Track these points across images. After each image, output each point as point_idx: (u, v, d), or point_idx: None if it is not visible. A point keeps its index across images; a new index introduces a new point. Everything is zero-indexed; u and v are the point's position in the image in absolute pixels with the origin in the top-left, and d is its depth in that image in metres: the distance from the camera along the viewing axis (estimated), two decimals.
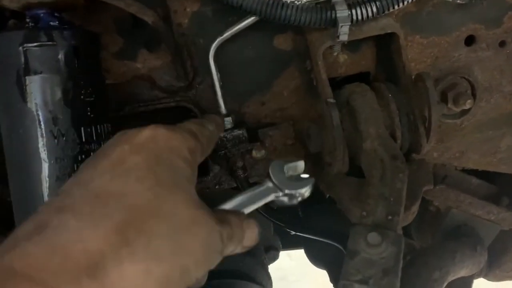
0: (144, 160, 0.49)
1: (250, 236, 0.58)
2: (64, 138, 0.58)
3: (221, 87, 0.77)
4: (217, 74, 0.75)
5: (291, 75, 0.81)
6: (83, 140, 0.59)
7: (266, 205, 0.84)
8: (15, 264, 0.40)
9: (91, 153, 0.60)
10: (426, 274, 0.79)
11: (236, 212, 0.59)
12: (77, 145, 0.59)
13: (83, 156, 0.59)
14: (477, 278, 1.19)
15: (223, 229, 0.52)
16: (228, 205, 0.58)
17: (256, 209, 0.87)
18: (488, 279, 1.23)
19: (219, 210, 0.58)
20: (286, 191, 0.60)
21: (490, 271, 1.18)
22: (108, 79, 0.76)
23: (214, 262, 0.52)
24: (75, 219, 0.44)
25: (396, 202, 0.62)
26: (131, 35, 0.75)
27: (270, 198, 0.60)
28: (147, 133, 0.52)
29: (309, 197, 0.80)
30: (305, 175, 0.64)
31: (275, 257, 1.16)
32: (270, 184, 0.60)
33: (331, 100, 0.70)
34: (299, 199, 0.61)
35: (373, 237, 0.56)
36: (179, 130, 0.55)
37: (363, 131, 0.71)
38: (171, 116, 0.86)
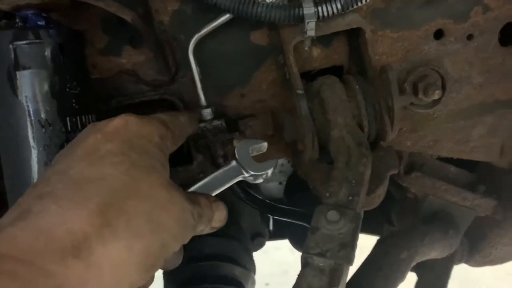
0: (117, 146, 0.53)
1: (219, 217, 0.63)
2: (51, 127, 0.63)
3: (201, 81, 0.82)
4: (197, 68, 0.81)
5: (268, 69, 0.86)
6: (69, 129, 0.65)
7: (248, 191, 0.89)
8: (1, 248, 0.42)
9: None
10: (394, 253, 0.84)
11: (205, 194, 0.64)
12: (63, 134, 0.64)
13: None
14: (458, 263, 1.24)
15: (194, 208, 0.57)
16: (197, 186, 0.64)
17: (242, 198, 0.93)
18: (470, 265, 1.28)
19: (190, 192, 0.64)
20: (251, 172, 0.65)
21: (471, 257, 1.23)
22: (95, 74, 0.82)
23: (187, 237, 0.57)
24: (56, 204, 0.46)
25: (358, 184, 0.67)
26: (116, 33, 0.80)
27: (237, 179, 0.66)
28: (118, 122, 0.56)
29: (292, 185, 0.85)
30: None
31: (261, 244, 1.21)
32: (236, 165, 0.65)
33: (300, 92, 0.75)
34: (263, 178, 0.67)
35: (333, 214, 0.62)
36: (149, 119, 0.60)
37: (332, 120, 0.76)
38: (156, 109, 0.92)
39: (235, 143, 0.89)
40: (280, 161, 1.84)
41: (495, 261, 1.24)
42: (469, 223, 1.10)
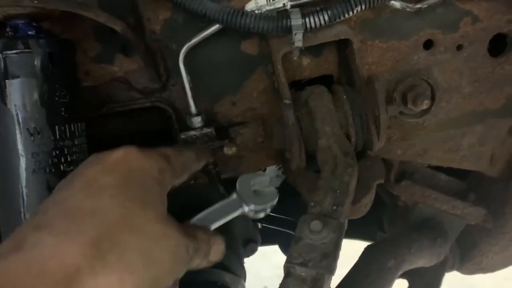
0: (116, 179, 0.54)
1: (216, 251, 0.63)
2: (39, 136, 0.64)
3: (192, 88, 0.83)
4: (187, 77, 0.82)
5: (259, 77, 0.87)
6: (57, 137, 0.66)
7: None
8: None
9: (64, 149, 0.66)
10: (381, 261, 0.85)
11: (203, 227, 0.64)
12: (51, 142, 0.65)
13: (57, 152, 0.66)
14: (449, 271, 1.24)
15: (190, 243, 0.57)
16: (197, 219, 0.64)
17: None
18: (462, 273, 1.28)
19: (188, 225, 0.64)
20: (252, 207, 0.66)
21: (462, 265, 1.24)
22: (87, 81, 0.83)
23: (181, 272, 0.57)
24: (51, 236, 0.47)
25: (342, 194, 0.68)
26: (108, 41, 0.82)
27: (237, 212, 0.66)
28: (118, 154, 0.57)
29: (284, 191, 0.86)
30: (271, 188, 0.70)
31: (253, 250, 1.22)
32: (236, 198, 0.66)
33: (287, 102, 0.76)
34: (263, 213, 0.67)
35: (316, 224, 0.62)
36: (150, 152, 0.60)
37: (319, 129, 0.77)
38: (147, 116, 0.93)
39: (225, 150, 0.90)
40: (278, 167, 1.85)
41: (486, 269, 1.24)
42: (459, 231, 1.11)
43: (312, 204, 0.67)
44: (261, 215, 0.69)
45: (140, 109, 0.87)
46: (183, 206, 1.12)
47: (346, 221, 0.68)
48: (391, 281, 0.84)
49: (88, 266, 0.45)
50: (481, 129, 0.98)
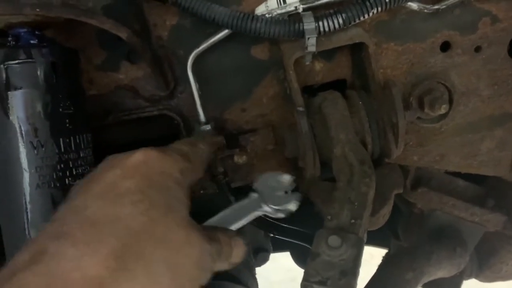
0: (136, 184, 0.51)
1: (237, 253, 0.60)
2: (43, 149, 0.62)
3: (200, 96, 0.80)
4: (195, 84, 0.79)
5: (269, 83, 0.84)
6: (62, 150, 0.63)
7: None
8: None
9: (69, 162, 0.64)
10: (399, 274, 0.81)
11: (225, 229, 0.61)
12: (56, 155, 0.62)
13: (62, 166, 0.63)
14: (467, 279, 1.20)
15: (213, 247, 0.54)
16: (215, 220, 0.61)
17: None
18: (480, 280, 1.24)
19: (209, 227, 0.61)
20: (272, 206, 0.62)
21: (481, 272, 1.20)
22: (92, 90, 0.81)
23: (206, 278, 0.55)
24: (72, 247, 0.44)
25: (360, 206, 0.64)
26: (113, 48, 0.79)
27: (258, 212, 0.63)
28: (138, 157, 0.54)
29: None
30: (292, 189, 0.67)
31: (265, 259, 1.19)
32: (256, 197, 0.63)
33: (301, 109, 0.73)
34: (285, 213, 0.64)
35: (334, 240, 0.59)
36: (169, 152, 0.57)
37: (334, 137, 0.73)
38: (154, 125, 0.90)
39: (236, 158, 0.87)
40: None
41: (506, 277, 1.21)
42: (478, 239, 1.07)
43: (328, 217, 0.64)
44: (282, 215, 0.66)
45: (147, 117, 0.84)
46: (193, 217, 1.10)
47: (365, 234, 0.65)
48: None
49: (111, 278, 0.43)
50: (501, 133, 0.94)
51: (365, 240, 0.62)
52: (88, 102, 0.80)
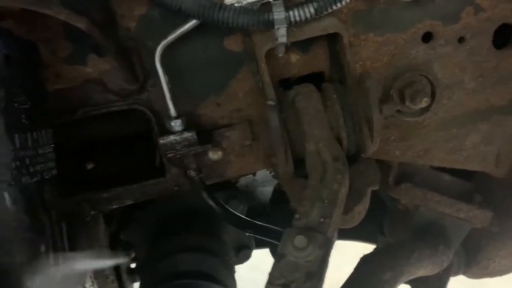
0: None
1: None
2: None
3: (172, 90, 0.77)
4: (164, 77, 0.76)
5: (244, 77, 0.81)
6: (17, 146, 0.60)
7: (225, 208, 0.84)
8: None
9: (26, 160, 0.61)
10: (378, 273, 0.78)
11: None
12: (11, 152, 0.60)
13: (18, 163, 0.60)
14: (454, 275, 1.18)
15: None
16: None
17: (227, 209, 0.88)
18: (468, 277, 1.22)
19: None
20: None
21: (469, 269, 1.17)
22: (59, 84, 0.78)
23: None
24: None
25: (330, 204, 0.62)
26: (80, 40, 0.76)
27: None
28: None
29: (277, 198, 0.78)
30: None
31: (247, 256, 1.16)
32: None
33: (271, 103, 0.70)
34: None
35: (300, 240, 0.56)
36: None
37: (307, 132, 0.71)
38: (127, 121, 0.88)
39: (210, 154, 0.85)
40: None
41: (494, 273, 1.18)
42: (464, 235, 1.04)
43: (297, 216, 0.61)
44: None
45: (119, 113, 0.81)
46: (167, 216, 1.07)
47: (336, 233, 0.62)
48: None
49: None
50: (486, 127, 0.91)
51: (335, 239, 0.60)
52: (55, 96, 0.77)
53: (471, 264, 1.15)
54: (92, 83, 0.79)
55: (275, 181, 1.81)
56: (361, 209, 0.71)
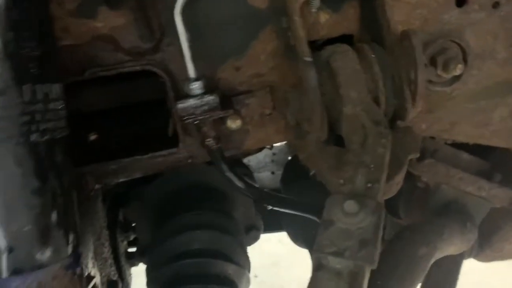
0: None
1: None
2: (3, 96, 0.51)
3: (190, 48, 0.70)
4: (185, 33, 0.69)
5: (268, 37, 0.75)
6: (26, 99, 0.52)
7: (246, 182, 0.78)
8: None
9: (35, 115, 0.53)
10: (412, 249, 0.74)
11: None
12: (19, 105, 0.52)
13: (27, 118, 0.52)
14: (467, 258, 1.14)
15: None
16: None
17: (238, 187, 0.82)
18: (479, 260, 1.18)
19: None
20: None
21: (481, 252, 1.14)
22: (66, 40, 0.70)
23: None
24: None
25: (377, 169, 0.56)
26: None
27: None
28: None
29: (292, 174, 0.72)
30: None
31: (256, 237, 1.11)
32: None
33: (308, 59, 0.64)
34: None
35: (350, 205, 0.51)
36: None
37: (344, 95, 0.65)
38: (138, 87, 0.80)
39: (229, 123, 0.78)
40: (273, 150, 1.73)
41: (506, 256, 1.15)
42: (484, 215, 1.01)
43: (341, 181, 0.55)
44: None
45: (130, 78, 0.74)
46: (173, 194, 1.01)
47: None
48: (423, 271, 0.73)
49: None
50: None
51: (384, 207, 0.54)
52: (61, 54, 0.69)
53: (485, 247, 1.12)
54: (102, 40, 0.71)
55: (270, 167, 1.76)
56: (400, 178, 0.66)
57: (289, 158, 1.37)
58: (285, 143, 1.66)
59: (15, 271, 0.52)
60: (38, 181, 0.54)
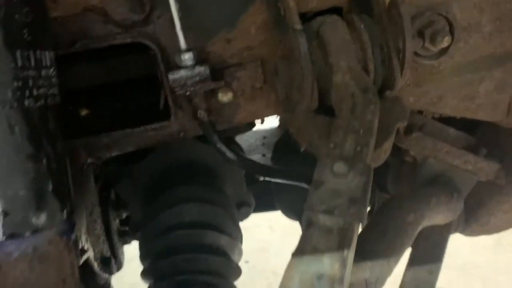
0: None
1: None
2: None
3: (181, 19, 0.71)
4: (175, 4, 0.69)
5: (258, 9, 0.76)
6: (19, 64, 0.53)
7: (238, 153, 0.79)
8: None
9: (29, 81, 0.53)
10: (400, 216, 0.76)
11: None
12: (12, 70, 0.52)
13: (20, 83, 0.53)
14: (453, 232, 1.17)
15: None
16: None
17: (231, 159, 0.83)
18: (466, 234, 1.21)
19: None
20: None
21: (467, 226, 1.16)
22: (56, 11, 0.70)
23: None
24: None
25: (366, 134, 0.58)
26: None
27: None
28: None
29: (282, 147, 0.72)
30: None
31: (248, 213, 1.12)
32: None
33: (298, 27, 0.65)
34: None
35: (340, 167, 0.52)
36: None
37: (334, 64, 0.66)
38: (128, 61, 0.81)
39: (220, 96, 0.79)
40: (263, 133, 1.74)
41: (492, 230, 1.18)
42: (470, 188, 1.03)
43: (331, 145, 0.57)
44: None
45: (119, 46, 0.74)
46: (164, 170, 1.01)
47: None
48: (411, 238, 0.75)
49: None
50: (500, 74, 0.89)
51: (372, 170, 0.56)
52: (52, 25, 0.69)
53: (471, 221, 1.15)
54: (93, 11, 0.71)
55: (261, 150, 1.77)
56: (388, 146, 0.68)
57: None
58: (276, 126, 1.68)
59: (11, 235, 0.53)
60: (32, 147, 0.54)
